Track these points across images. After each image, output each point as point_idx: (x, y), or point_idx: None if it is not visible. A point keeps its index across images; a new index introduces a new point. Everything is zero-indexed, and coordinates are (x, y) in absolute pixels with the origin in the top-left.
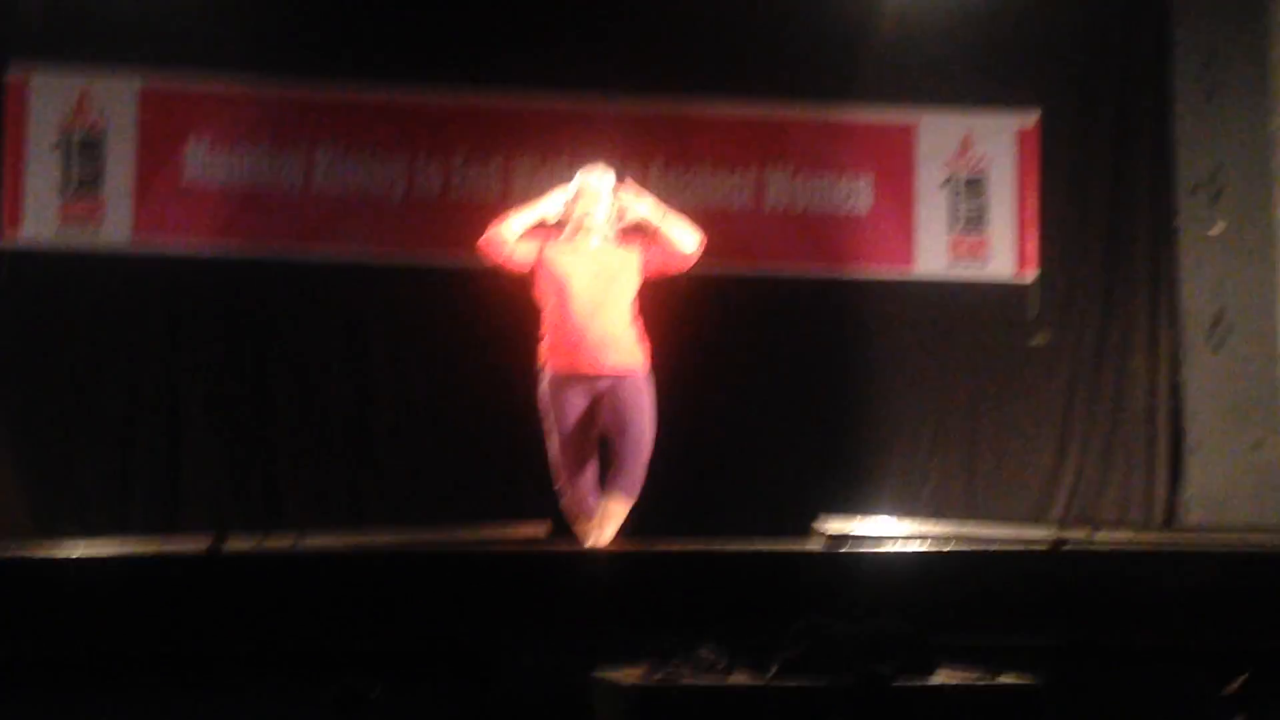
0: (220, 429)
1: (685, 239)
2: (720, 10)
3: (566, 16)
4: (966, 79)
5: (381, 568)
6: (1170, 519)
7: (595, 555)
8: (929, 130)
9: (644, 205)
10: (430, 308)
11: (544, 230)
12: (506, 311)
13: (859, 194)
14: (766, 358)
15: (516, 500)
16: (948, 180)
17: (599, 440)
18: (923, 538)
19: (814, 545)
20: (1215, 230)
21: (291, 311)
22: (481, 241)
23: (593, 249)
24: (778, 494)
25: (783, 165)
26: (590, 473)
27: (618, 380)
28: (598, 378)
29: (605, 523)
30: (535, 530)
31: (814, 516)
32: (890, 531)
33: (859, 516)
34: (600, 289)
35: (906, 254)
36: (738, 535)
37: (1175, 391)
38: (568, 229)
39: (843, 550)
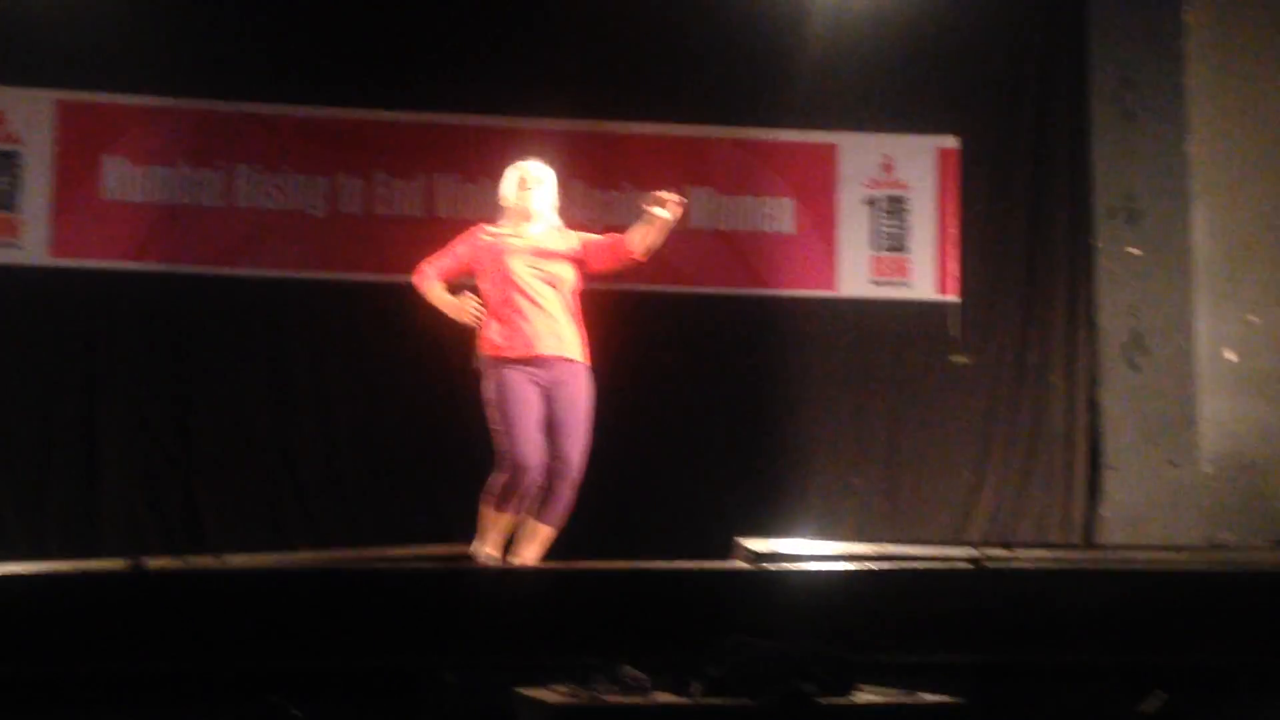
0: (139, 447)
1: (649, 245)
2: (644, 33)
3: (490, 38)
4: (888, 102)
5: (303, 586)
6: (1088, 537)
7: (519, 574)
8: (850, 151)
9: (670, 215)
10: (352, 325)
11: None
12: (430, 329)
13: (782, 214)
14: (689, 376)
15: (440, 520)
16: (869, 201)
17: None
18: (844, 556)
19: (736, 564)
20: (1132, 251)
21: (212, 329)
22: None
23: (533, 235)
24: (699, 513)
25: (705, 185)
26: (536, 474)
27: (561, 371)
28: (538, 360)
29: (530, 546)
30: (458, 550)
31: (736, 535)
32: (812, 550)
33: (781, 535)
34: (541, 274)
35: (829, 273)
36: (659, 554)
37: (1093, 410)
38: (511, 216)
39: (765, 569)
